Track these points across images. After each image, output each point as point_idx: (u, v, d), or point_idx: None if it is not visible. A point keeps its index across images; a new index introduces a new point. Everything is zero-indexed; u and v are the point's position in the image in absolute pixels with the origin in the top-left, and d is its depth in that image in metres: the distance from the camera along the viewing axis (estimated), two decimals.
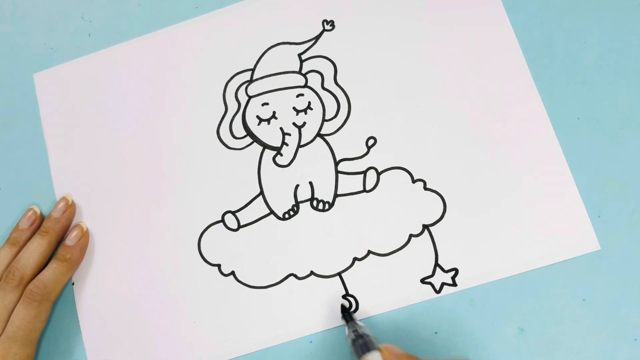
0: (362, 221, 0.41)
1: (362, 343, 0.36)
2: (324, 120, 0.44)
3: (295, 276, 0.41)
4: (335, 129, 0.43)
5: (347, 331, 0.38)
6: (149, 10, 0.48)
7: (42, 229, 0.43)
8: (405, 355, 0.34)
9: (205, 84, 0.46)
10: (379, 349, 0.35)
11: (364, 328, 0.38)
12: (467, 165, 0.41)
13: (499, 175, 0.41)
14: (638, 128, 0.41)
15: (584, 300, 0.38)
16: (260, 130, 0.44)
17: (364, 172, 0.42)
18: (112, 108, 0.46)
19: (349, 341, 0.37)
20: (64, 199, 0.44)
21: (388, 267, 0.40)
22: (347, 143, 0.43)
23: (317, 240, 0.42)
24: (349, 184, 0.42)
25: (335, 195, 0.42)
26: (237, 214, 0.43)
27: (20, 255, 0.42)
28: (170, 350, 0.41)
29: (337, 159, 0.43)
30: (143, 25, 0.48)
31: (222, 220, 0.43)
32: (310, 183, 0.43)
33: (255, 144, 0.44)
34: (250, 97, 0.45)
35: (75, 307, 0.43)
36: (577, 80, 0.42)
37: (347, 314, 0.39)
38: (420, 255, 0.40)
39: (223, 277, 0.42)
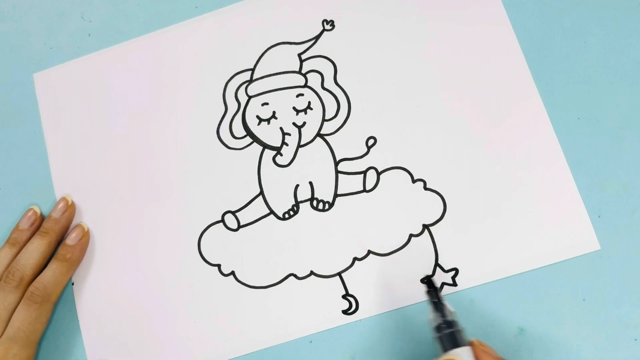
0: (362, 221, 0.41)
1: (449, 334, 0.32)
2: (324, 120, 0.44)
3: (295, 276, 0.41)
4: (335, 128, 0.43)
5: (431, 313, 0.34)
6: (149, 10, 0.48)
7: (42, 229, 0.43)
8: (499, 357, 0.31)
9: (205, 84, 0.46)
10: (470, 343, 0.32)
11: (454, 314, 0.33)
12: (467, 165, 0.41)
13: (499, 175, 0.41)
14: (638, 128, 0.41)
15: (584, 300, 0.38)
16: (260, 130, 0.44)
17: (364, 172, 0.42)
18: (112, 108, 0.46)
19: (432, 325, 0.34)
20: (63, 199, 0.44)
21: (388, 267, 0.40)
22: (347, 143, 0.43)
23: (317, 240, 0.42)
24: (349, 184, 0.42)
25: (335, 195, 0.42)
26: (237, 214, 0.43)
27: (20, 255, 0.42)
28: (170, 350, 0.41)
29: (337, 159, 0.43)
30: (143, 25, 0.48)
31: (222, 220, 0.43)
32: (310, 183, 0.43)
33: (255, 144, 0.44)
34: (250, 97, 0.45)
35: (75, 307, 0.43)
36: (577, 80, 0.42)
37: (433, 290, 0.34)
38: (420, 255, 0.40)
39: (223, 277, 0.42)
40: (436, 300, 0.34)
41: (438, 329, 0.33)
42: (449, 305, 0.34)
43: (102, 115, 0.46)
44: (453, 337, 0.32)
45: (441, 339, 0.32)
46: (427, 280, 0.36)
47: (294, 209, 0.42)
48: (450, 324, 0.33)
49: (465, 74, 0.43)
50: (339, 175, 0.43)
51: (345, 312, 0.40)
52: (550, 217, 0.40)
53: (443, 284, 0.40)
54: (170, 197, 0.44)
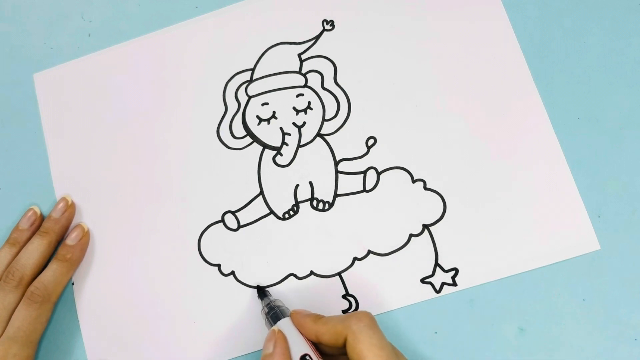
0: (362, 221, 0.41)
1: (273, 314, 0.37)
2: (324, 120, 0.44)
3: (295, 276, 0.41)
4: (335, 128, 0.43)
5: (261, 307, 0.39)
6: (149, 10, 0.48)
7: (41, 229, 0.43)
8: (311, 314, 0.35)
9: (205, 84, 0.46)
10: (289, 316, 0.36)
11: (277, 301, 0.38)
12: (467, 165, 0.41)
13: (499, 175, 0.41)
14: (638, 128, 0.41)
15: (584, 300, 0.38)
16: (260, 130, 0.44)
17: (364, 172, 0.42)
18: (112, 108, 0.46)
19: (263, 316, 0.38)
20: (63, 199, 0.44)
21: (388, 267, 0.40)
22: (347, 143, 0.43)
23: (317, 240, 0.42)
24: (349, 184, 0.42)
25: (335, 195, 0.42)
26: (237, 214, 0.43)
27: (19, 255, 0.42)
28: (170, 350, 0.41)
29: (337, 159, 0.43)
30: (143, 25, 0.48)
31: (222, 220, 0.43)
32: (310, 183, 0.43)
33: (255, 144, 0.44)
34: (250, 97, 0.45)
35: (75, 307, 0.43)
36: (577, 80, 0.42)
37: (260, 292, 0.40)
38: (420, 255, 0.40)
39: (223, 277, 0.42)
40: (263, 296, 0.39)
41: (267, 314, 0.37)
42: (271, 295, 0.40)
43: (102, 115, 0.46)
44: (276, 316, 0.36)
45: (268, 320, 0.37)
46: (257, 288, 0.41)
47: (294, 209, 0.42)
48: (273, 308, 0.37)
49: (465, 74, 0.43)
50: (339, 175, 0.43)
51: (345, 312, 0.40)
52: (550, 217, 0.40)
53: (443, 283, 0.40)
54: (170, 197, 0.44)
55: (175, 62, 0.46)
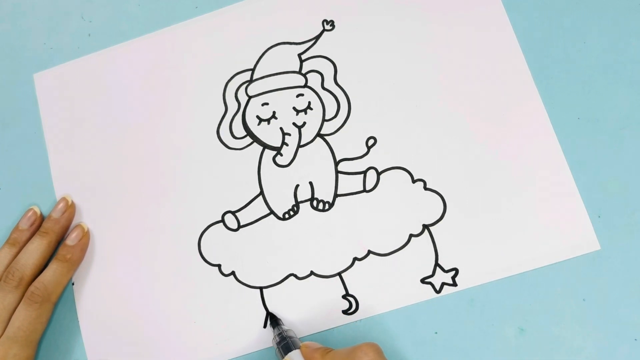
0: (362, 221, 0.41)
1: (284, 344, 0.37)
2: (324, 120, 0.44)
3: (295, 276, 0.41)
4: (335, 129, 0.43)
5: (273, 335, 0.39)
6: (149, 10, 0.48)
7: (41, 229, 0.43)
8: (320, 348, 0.36)
9: (205, 84, 0.46)
10: (300, 348, 0.36)
11: (289, 331, 0.39)
12: (467, 165, 0.41)
13: (499, 175, 0.41)
14: (638, 128, 0.41)
15: (584, 300, 0.38)
16: (260, 130, 0.44)
17: (364, 172, 0.42)
18: (112, 108, 0.46)
19: (274, 344, 0.38)
20: (63, 199, 0.44)
21: (388, 267, 0.40)
22: (347, 143, 0.43)
23: (317, 240, 0.42)
24: (349, 184, 0.42)
25: (335, 195, 0.42)
26: (237, 214, 0.43)
27: (19, 255, 0.42)
28: (170, 350, 0.41)
29: (337, 159, 0.43)
30: (143, 25, 0.48)
31: (222, 220, 0.43)
32: (310, 183, 0.43)
33: (255, 144, 0.44)
34: (250, 97, 0.45)
35: (75, 307, 0.43)
36: (577, 80, 0.42)
37: (272, 320, 0.40)
38: (420, 255, 0.40)
39: (223, 277, 0.42)
40: (275, 325, 0.39)
41: (278, 344, 0.38)
42: (284, 324, 0.40)
43: (102, 115, 0.46)
44: (287, 347, 0.37)
45: (279, 350, 0.37)
46: (270, 316, 0.41)
47: (294, 209, 0.42)
48: (285, 338, 0.37)
49: (465, 74, 0.43)
50: (339, 175, 0.43)
51: (345, 312, 0.40)
52: (551, 217, 0.40)
53: (443, 283, 0.40)
54: (170, 197, 0.44)
55: (175, 62, 0.46)
